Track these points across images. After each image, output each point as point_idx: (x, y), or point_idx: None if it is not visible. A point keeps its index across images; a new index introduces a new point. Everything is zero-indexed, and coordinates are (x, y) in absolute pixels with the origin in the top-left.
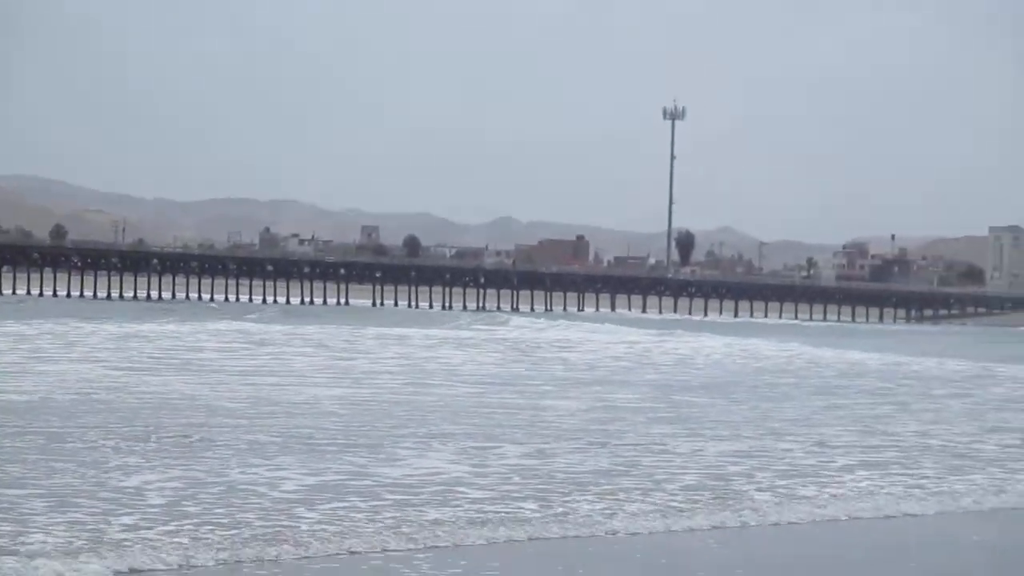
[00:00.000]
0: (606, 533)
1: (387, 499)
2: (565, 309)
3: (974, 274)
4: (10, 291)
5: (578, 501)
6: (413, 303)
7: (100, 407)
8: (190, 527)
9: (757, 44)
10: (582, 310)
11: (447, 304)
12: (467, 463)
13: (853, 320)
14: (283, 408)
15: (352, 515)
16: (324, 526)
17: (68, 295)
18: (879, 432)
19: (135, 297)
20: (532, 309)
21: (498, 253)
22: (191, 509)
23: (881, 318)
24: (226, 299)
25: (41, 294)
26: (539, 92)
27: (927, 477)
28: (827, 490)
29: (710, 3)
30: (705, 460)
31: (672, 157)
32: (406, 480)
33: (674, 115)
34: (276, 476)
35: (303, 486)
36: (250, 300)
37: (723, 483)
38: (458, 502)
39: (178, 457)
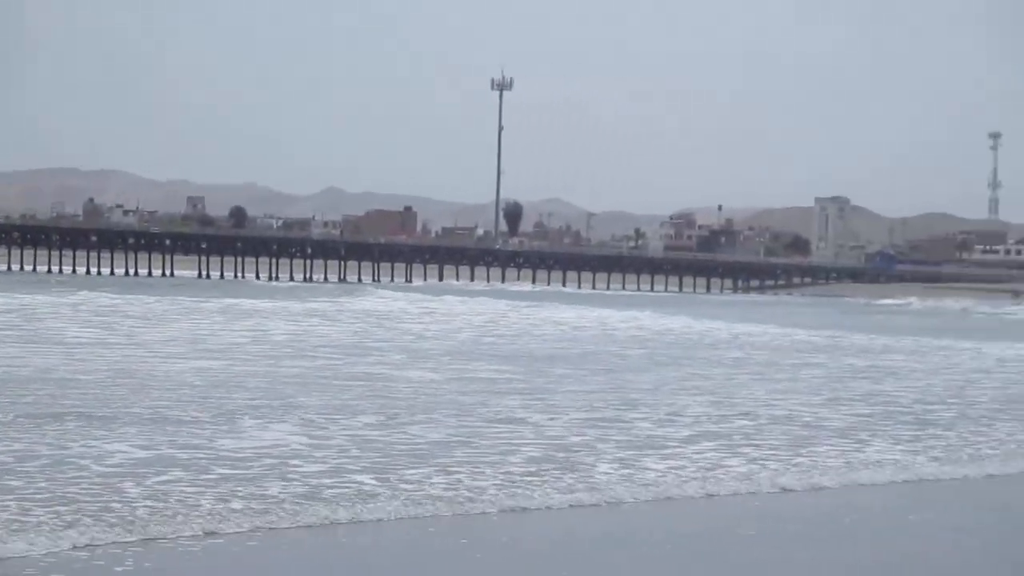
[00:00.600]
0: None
1: (217, 473)
2: (392, 280)
3: (800, 244)
4: None
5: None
6: (239, 274)
7: None
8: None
9: (584, 12)
10: (410, 281)
11: (274, 275)
12: (309, 436)
13: (680, 290)
14: (138, 381)
15: (179, 489)
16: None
17: None
18: (728, 403)
19: None
20: (376, 280)
21: (326, 224)
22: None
23: (708, 288)
24: (49, 271)
25: None
26: (369, 60)
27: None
28: (668, 462)
29: None
30: (553, 431)
31: (500, 128)
32: (241, 453)
33: (502, 86)
34: (112, 450)
35: (134, 459)
36: (73, 272)
37: (566, 455)
38: (293, 476)
39: (23, 431)
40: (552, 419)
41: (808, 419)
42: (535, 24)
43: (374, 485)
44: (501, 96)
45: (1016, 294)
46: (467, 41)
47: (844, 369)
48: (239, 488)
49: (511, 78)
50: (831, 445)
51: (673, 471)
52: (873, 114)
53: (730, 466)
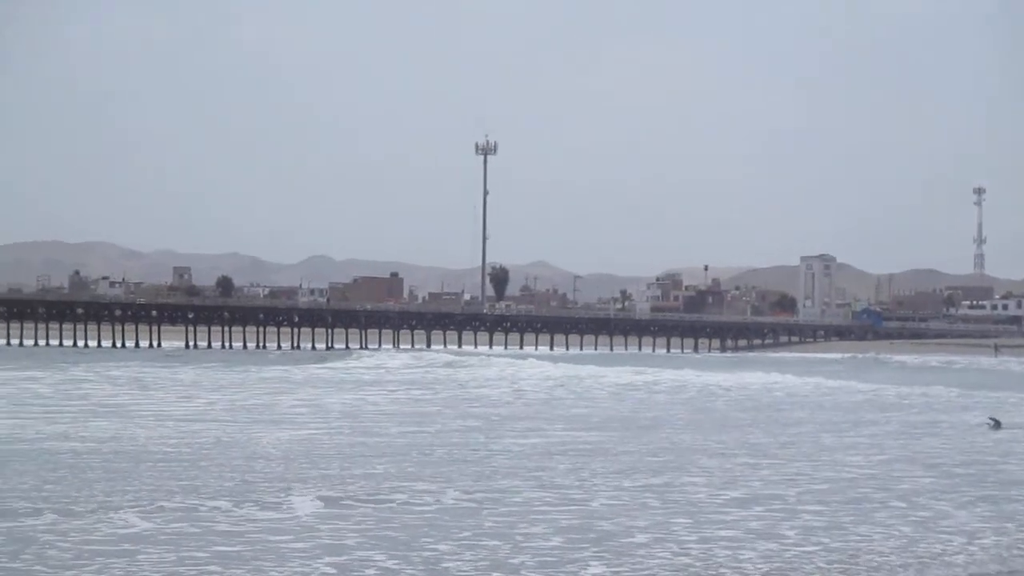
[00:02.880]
0: None
1: None
2: (380, 346)
3: (786, 303)
4: None
5: None
6: (227, 344)
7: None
8: None
9: (564, 73)
10: (398, 347)
11: (261, 344)
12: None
13: (668, 351)
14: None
15: None
16: None
17: None
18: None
19: None
20: (364, 347)
21: (312, 292)
22: None
23: (696, 348)
24: (35, 344)
25: None
26: (351, 127)
27: None
28: None
29: (519, 35)
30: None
31: (485, 192)
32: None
33: (486, 150)
34: None
35: None
36: (60, 344)
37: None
38: None
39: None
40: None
41: None
42: (518, 88)
43: None
44: (485, 161)
45: (996, 348)
46: (450, 106)
47: None
48: None
49: (495, 142)
50: None
51: None
52: (856, 172)
53: None
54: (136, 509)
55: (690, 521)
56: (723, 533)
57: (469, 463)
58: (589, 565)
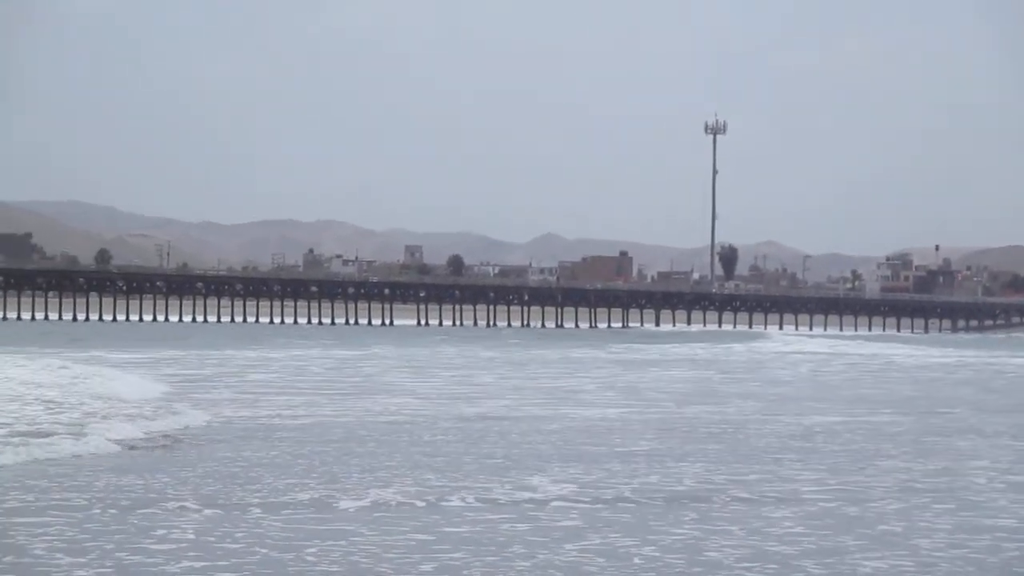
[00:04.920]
0: None
1: None
2: (609, 326)
3: (1018, 284)
4: (56, 316)
5: None
6: (457, 322)
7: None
8: None
9: (798, 55)
10: (627, 326)
11: (491, 322)
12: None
13: (898, 331)
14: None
15: None
16: None
17: (114, 319)
18: None
19: (180, 320)
20: (593, 326)
21: (542, 271)
22: None
23: (926, 329)
24: (271, 321)
25: (87, 319)
26: (582, 109)
27: None
28: None
29: (747, 16)
30: None
31: (714, 171)
32: None
33: (715, 129)
34: None
35: None
36: (295, 322)
37: None
38: None
39: None
40: None
41: None
42: (748, 67)
43: None
44: (715, 140)
45: None
46: (679, 85)
47: None
48: None
49: (724, 122)
50: None
51: None
52: None
53: None
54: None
55: None
56: None
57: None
58: None
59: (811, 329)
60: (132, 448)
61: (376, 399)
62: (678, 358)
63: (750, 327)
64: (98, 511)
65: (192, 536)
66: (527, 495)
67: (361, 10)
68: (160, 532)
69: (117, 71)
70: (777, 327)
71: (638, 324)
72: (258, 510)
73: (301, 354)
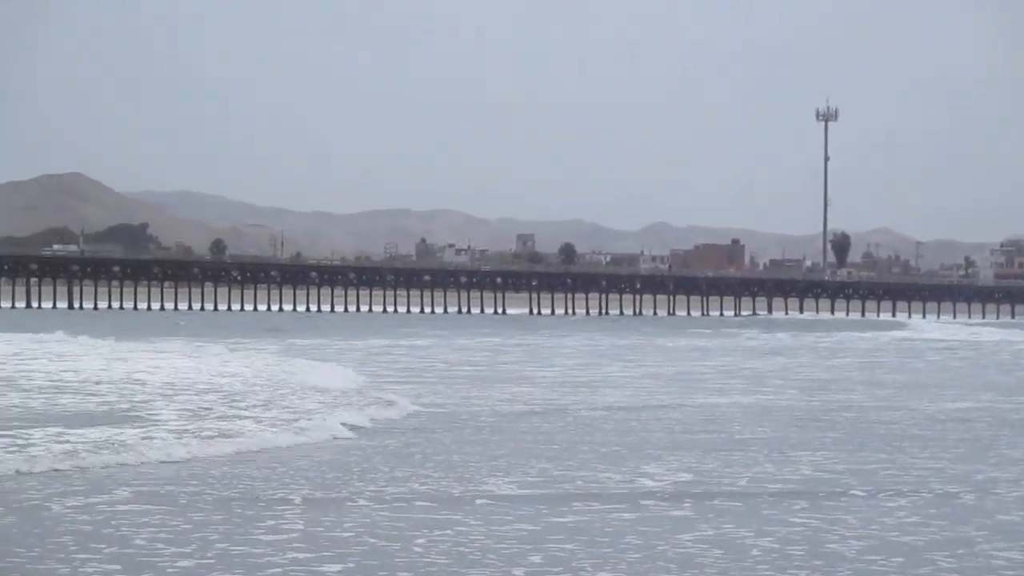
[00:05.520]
0: None
1: None
2: (722, 314)
3: None
4: (172, 306)
5: None
6: (569, 310)
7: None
8: None
9: (907, 43)
10: (739, 314)
11: (604, 310)
12: None
13: (1012, 318)
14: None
15: None
16: None
17: (228, 308)
18: None
19: (294, 310)
20: (705, 314)
21: (653, 259)
22: None
23: None
24: (384, 311)
25: (202, 308)
26: (694, 96)
27: None
28: None
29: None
30: None
31: (826, 158)
32: None
33: (827, 116)
34: None
35: None
36: (408, 311)
37: None
38: None
39: None
40: None
41: None
42: (861, 53)
43: None
44: (826, 127)
45: None
46: (790, 71)
47: None
48: None
49: (836, 108)
50: None
51: None
52: None
53: None
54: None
55: None
56: None
57: None
58: None
59: (924, 317)
60: (365, 433)
61: (507, 387)
62: (800, 346)
63: (862, 315)
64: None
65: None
66: (642, 484)
67: None
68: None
69: (229, 64)
70: (890, 314)
71: (750, 312)
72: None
73: (466, 343)
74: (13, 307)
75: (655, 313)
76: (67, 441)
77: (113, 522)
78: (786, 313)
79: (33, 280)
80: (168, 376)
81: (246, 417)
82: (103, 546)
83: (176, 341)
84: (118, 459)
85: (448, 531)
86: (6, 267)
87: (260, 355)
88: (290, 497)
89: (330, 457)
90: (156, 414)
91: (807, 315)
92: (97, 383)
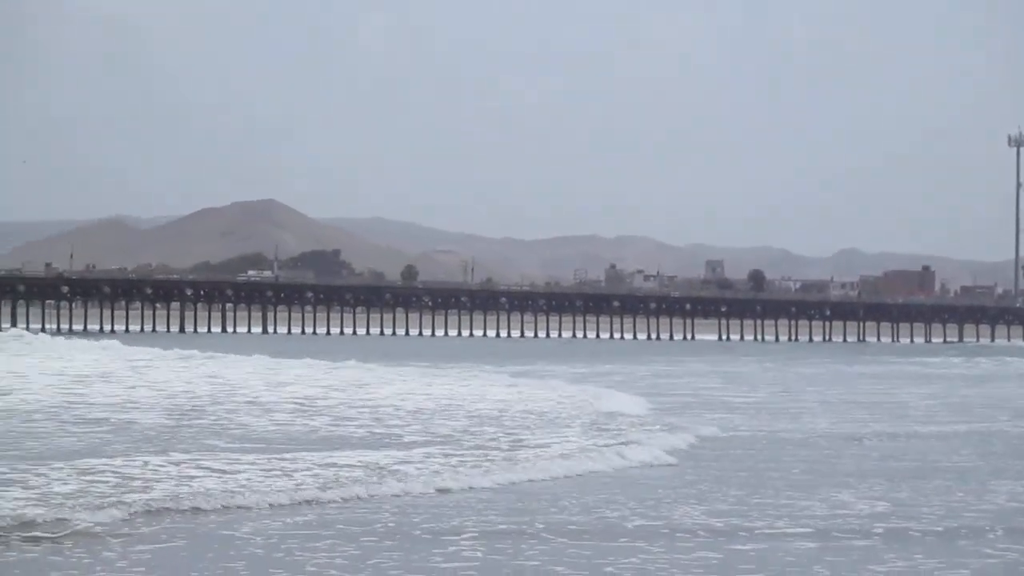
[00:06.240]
0: None
1: None
2: (912, 340)
3: None
4: (364, 331)
5: None
6: (758, 336)
7: None
8: None
9: None
10: (929, 341)
11: (793, 337)
12: None
13: None
14: None
15: None
16: None
17: (420, 334)
18: None
19: (484, 335)
20: (895, 340)
21: (843, 286)
22: None
23: None
24: (573, 335)
25: (394, 333)
26: (883, 121)
27: None
28: None
29: None
30: None
31: (1018, 184)
32: None
33: (1019, 142)
34: None
35: None
36: (597, 336)
37: None
38: None
39: None
40: None
41: None
42: None
43: None
44: (1019, 153)
45: None
46: (982, 97)
47: None
48: None
49: None
50: None
51: None
52: None
53: None
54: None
55: None
56: None
57: None
58: None
59: None
60: (687, 456)
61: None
62: (1005, 374)
63: None
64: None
65: None
66: (833, 512)
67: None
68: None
69: (422, 91)
70: None
71: (940, 340)
72: None
73: (697, 367)
74: (209, 331)
75: (844, 340)
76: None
77: None
78: (977, 340)
79: (228, 305)
80: (490, 404)
81: (571, 441)
82: None
83: (424, 367)
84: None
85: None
86: (202, 292)
87: (529, 381)
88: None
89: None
90: (547, 441)
91: (999, 342)
92: (470, 405)
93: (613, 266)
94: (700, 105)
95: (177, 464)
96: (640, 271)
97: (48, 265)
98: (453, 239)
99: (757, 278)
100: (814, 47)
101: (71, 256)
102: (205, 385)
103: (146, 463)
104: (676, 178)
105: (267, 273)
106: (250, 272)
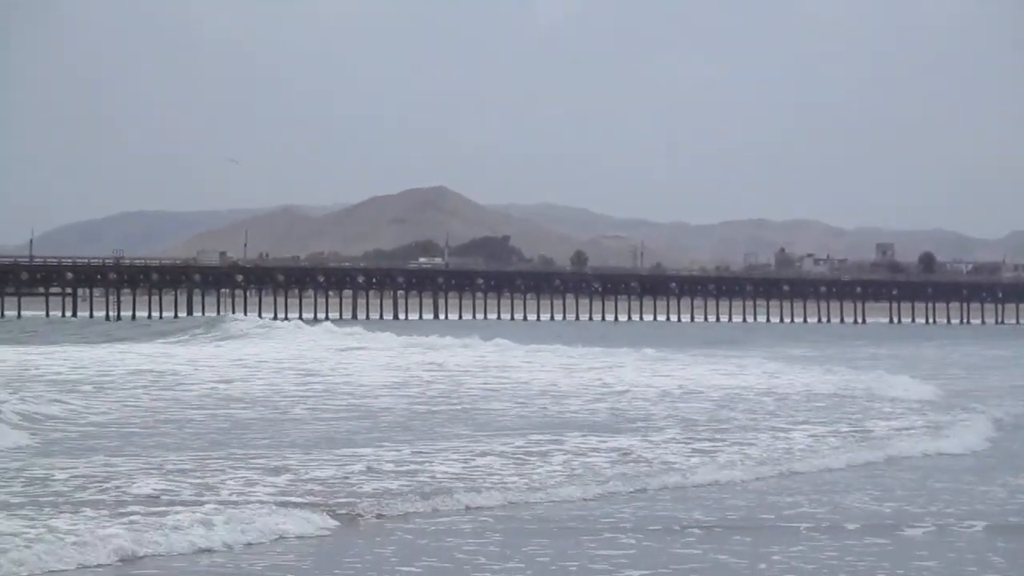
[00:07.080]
0: None
1: None
2: None
3: None
4: (534, 317)
5: None
6: (930, 319)
7: None
8: None
9: None
10: None
11: (965, 320)
12: None
13: None
14: None
15: None
16: None
17: (590, 319)
18: None
19: (655, 319)
20: None
21: (1015, 267)
22: None
23: None
24: (743, 320)
25: (564, 318)
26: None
27: None
28: None
29: None
30: None
31: None
32: None
33: None
34: None
35: None
36: (767, 321)
37: None
38: None
39: None
40: None
41: None
42: None
43: None
44: None
45: None
46: None
47: None
48: None
49: None
50: None
51: None
52: None
53: None
54: None
55: None
56: None
57: None
58: None
59: None
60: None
61: None
62: None
63: None
64: None
65: None
66: None
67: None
68: None
69: (592, 76)
70: None
71: None
72: None
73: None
74: (381, 318)
75: (1018, 322)
76: None
77: None
78: None
79: (400, 292)
80: (796, 388)
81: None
82: None
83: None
84: None
85: None
86: (374, 280)
87: (784, 366)
88: None
89: None
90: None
91: None
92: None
93: (783, 250)
94: (871, 87)
95: None
96: (810, 255)
97: (223, 254)
98: (623, 225)
99: (928, 260)
100: (992, 24)
101: (244, 245)
102: (540, 373)
103: None
104: (844, 162)
105: (438, 260)
106: (421, 259)
